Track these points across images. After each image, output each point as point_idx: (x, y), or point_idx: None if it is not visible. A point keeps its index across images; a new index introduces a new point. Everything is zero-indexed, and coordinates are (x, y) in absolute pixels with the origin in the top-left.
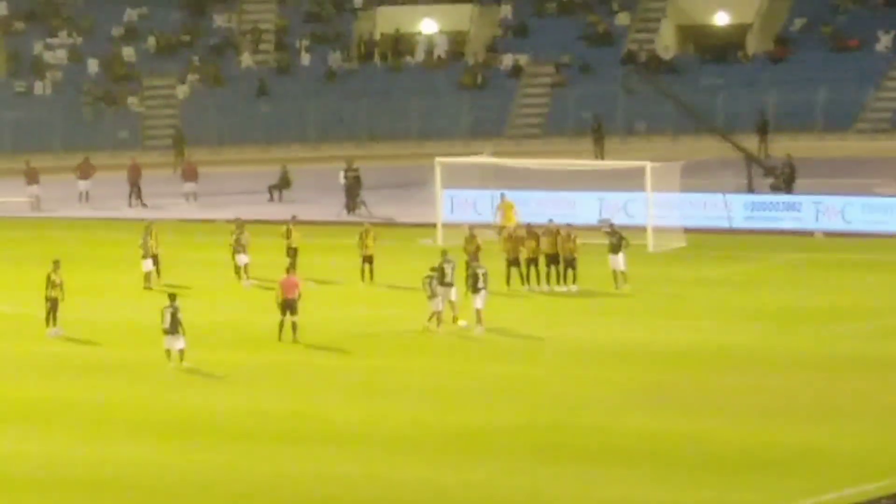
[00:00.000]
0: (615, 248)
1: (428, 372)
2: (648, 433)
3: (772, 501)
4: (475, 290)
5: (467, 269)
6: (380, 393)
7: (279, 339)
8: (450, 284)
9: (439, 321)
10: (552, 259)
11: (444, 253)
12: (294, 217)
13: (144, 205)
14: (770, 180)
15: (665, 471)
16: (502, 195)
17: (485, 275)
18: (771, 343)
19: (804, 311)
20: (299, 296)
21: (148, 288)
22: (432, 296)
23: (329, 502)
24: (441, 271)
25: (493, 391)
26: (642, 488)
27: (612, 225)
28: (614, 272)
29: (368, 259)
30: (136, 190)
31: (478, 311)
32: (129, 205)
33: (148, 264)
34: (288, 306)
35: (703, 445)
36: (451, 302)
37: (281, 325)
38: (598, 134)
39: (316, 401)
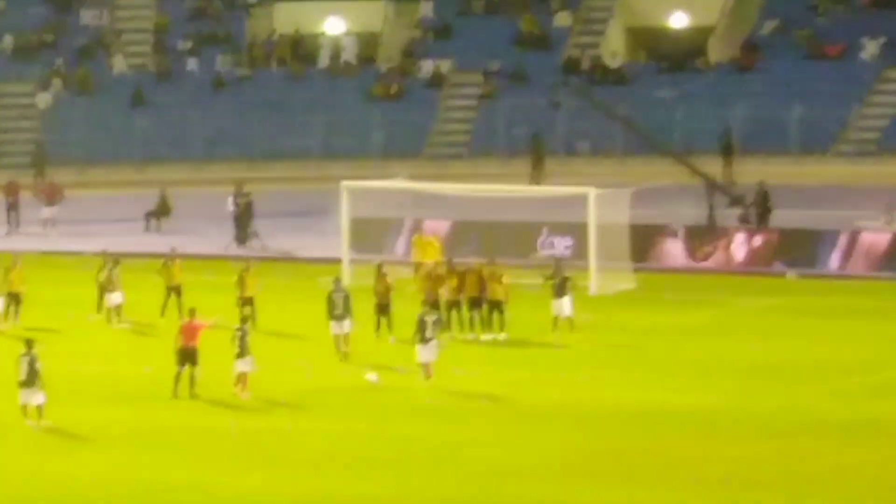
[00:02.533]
0: (559, 291)
1: (328, 435)
2: None
3: None
4: (423, 340)
5: (376, 313)
6: (273, 460)
7: (174, 394)
8: (341, 317)
9: (244, 384)
10: (476, 302)
11: (335, 280)
12: (173, 250)
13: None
14: (738, 211)
15: None
16: (418, 229)
17: (436, 322)
18: (734, 404)
19: (773, 367)
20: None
21: None
22: (240, 355)
23: None
24: (331, 302)
25: (408, 457)
26: None
27: (557, 261)
28: (556, 318)
29: (248, 301)
30: (14, 213)
31: (426, 366)
32: (8, 232)
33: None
34: (187, 356)
35: None
36: (344, 336)
37: (177, 378)
38: (536, 154)
39: (197, 468)
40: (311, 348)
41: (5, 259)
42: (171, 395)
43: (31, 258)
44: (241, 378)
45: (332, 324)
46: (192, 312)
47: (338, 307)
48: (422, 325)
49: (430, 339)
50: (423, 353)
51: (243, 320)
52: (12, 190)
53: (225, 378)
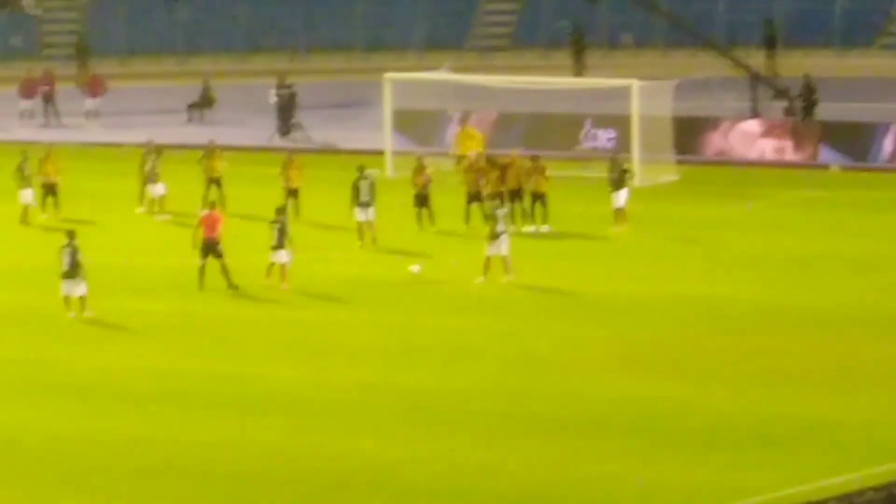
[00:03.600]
0: (617, 183)
1: (374, 326)
2: (633, 401)
3: (776, 483)
4: (495, 234)
5: (416, 205)
6: (318, 351)
7: (199, 287)
8: (366, 204)
9: (283, 276)
10: (517, 194)
11: (360, 168)
12: (212, 142)
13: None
14: (783, 104)
15: (651, 446)
16: (463, 122)
17: (505, 216)
18: (777, 297)
19: (819, 259)
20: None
21: (25, 223)
22: (277, 246)
23: (257, 476)
24: (356, 189)
25: (451, 350)
26: (624, 465)
27: (614, 154)
28: (615, 212)
29: (293, 193)
30: (51, 105)
31: (504, 259)
32: (45, 123)
33: (27, 195)
34: (210, 247)
35: (696, 417)
36: (369, 223)
37: (201, 270)
38: (577, 46)
39: (243, 359)
40: (355, 240)
41: (39, 150)
42: (197, 288)
43: (72, 150)
44: (279, 270)
45: (357, 210)
46: (212, 205)
47: (363, 194)
48: (493, 219)
49: (501, 233)
50: (494, 247)
51: (279, 211)
52: (48, 80)
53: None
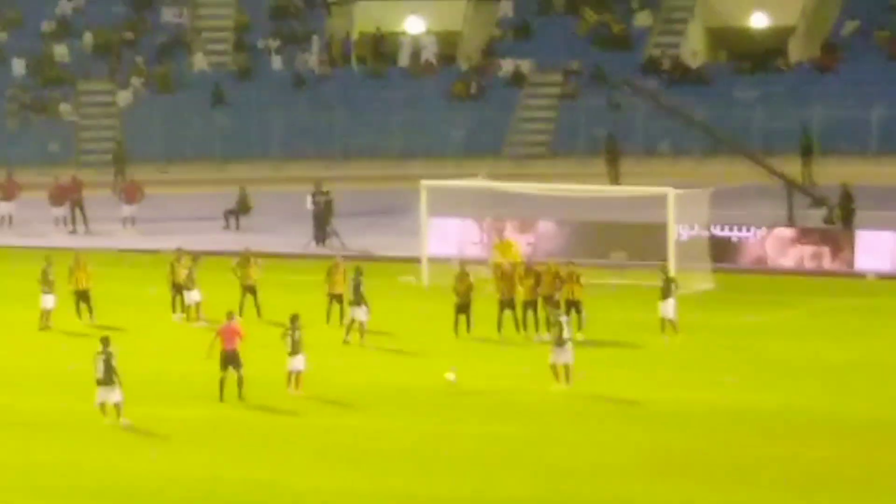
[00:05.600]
0: (664, 293)
1: (407, 433)
2: None
3: None
4: (560, 342)
5: (456, 312)
6: (351, 458)
7: (220, 398)
8: (357, 303)
9: (297, 382)
10: (552, 301)
11: (356, 269)
12: (247, 249)
13: (88, 230)
14: (822, 212)
15: None
16: (499, 231)
17: (569, 323)
18: (813, 404)
19: (855, 367)
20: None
21: (46, 328)
22: (292, 353)
23: None
24: (356, 285)
25: (486, 456)
26: None
27: (662, 264)
28: (662, 320)
29: (337, 298)
30: (79, 212)
31: (564, 368)
32: (72, 230)
33: (49, 301)
34: (229, 360)
35: None
36: (360, 323)
37: (221, 382)
38: (611, 154)
39: (278, 467)
40: (390, 344)
41: (68, 257)
42: (218, 400)
43: (108, 257)
44: (294, 377)
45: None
46: (230, 315)
47: (356, 294)
48: (557, 326)
49: (566, 341)
50: (559, 355)
51: (294, 318)
52: (75, 187)
53: (316, 377)
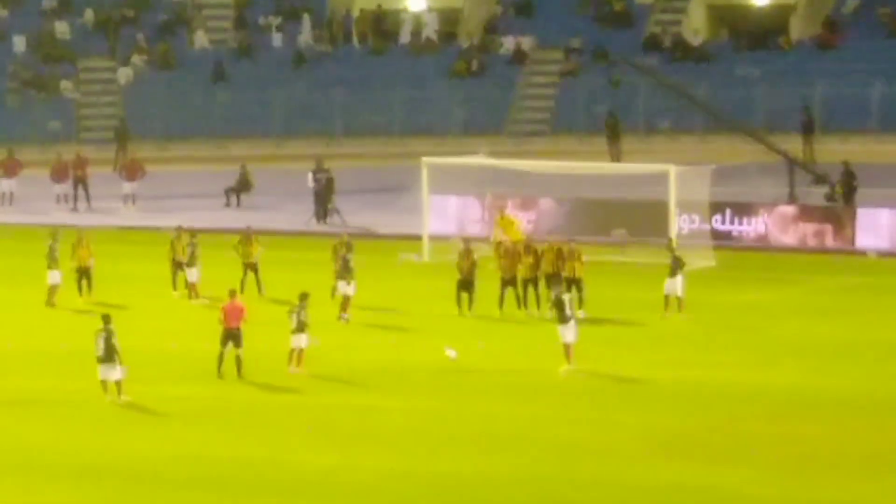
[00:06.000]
0: (672, 270)
1: (407, 412)
2: (669, 488)
3: None
4: (565, 319)
5: (459, 289)
6: (351, 437)
7: (218, 374)
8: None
9: (299, 360)
10: (554, 279)
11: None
12: (248, 227)
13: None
14: (824, 189)
15: None
16: (501, 209)
17: (571, 301)
18: (814, 382)
19: (855, 346)
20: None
21: (51, 305)
22: (296, 330)
23: None
24: (345, 261)
25: (486, 435)
26: None
27: (670, 241)
28: (667, 297)
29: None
30: (82, 189)
31: (568, 346)
32: (74, 208)
33: (55, 277)
34: (231, 337)
35: (732, 503)
36: (346, 298)
37: (220, 357)
38: (613, 132)
39: (278, 445)
40: (391, 321)
41: (70, 235)
42: (216, 376)
43: (109, 234)
44: (297, 354)
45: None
46: (233, 293)
47: (345, 269)
48: (560, 304)
49: (570, 318)
50: (566, 334)
51: (303, 296)
52: (80, 165)
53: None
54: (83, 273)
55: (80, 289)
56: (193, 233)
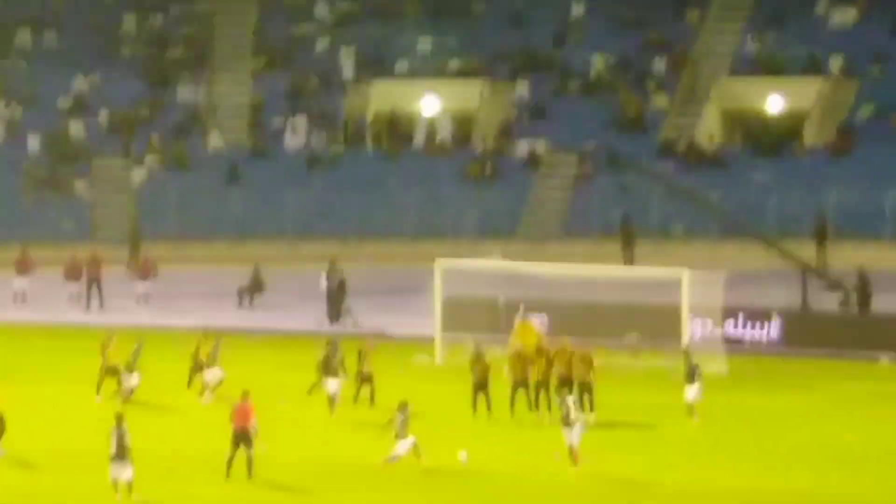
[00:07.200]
0: (689, 377)
1: None
2: None
3: None
4: (567, 422)
5: (475, 392)
6: None
7: (227, 475)
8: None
9: (417, 456)
10: (565, 383)
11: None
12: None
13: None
14: (837, 296)
15: None
16: (522, 313)
17: (575, 403)
18: (828, 490)
19: (869, 452)
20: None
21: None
22: (400, 437)
23: None
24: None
25: None
26: None
27: (687, 348)
28: (690, 405)
29: (367, 378)
30: (96, 288)
31: (572, 448)
32: (87, 307)
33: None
34: (240, 438)
35: None
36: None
37: (230, 460)
38: (627, 236)
39: None
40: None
41: (100, 335)
42: (224, 476)
43: (122, 333)
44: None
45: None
46: (244, 394)
47: (328, 366)
48: (565, 407)
49: (575, 421)
50: (570, 435)
51: (402, 405)
52: (93, 264)
53: (330, 455)
54: (111, 371)
55: (99, 389)
56: (219, 335)
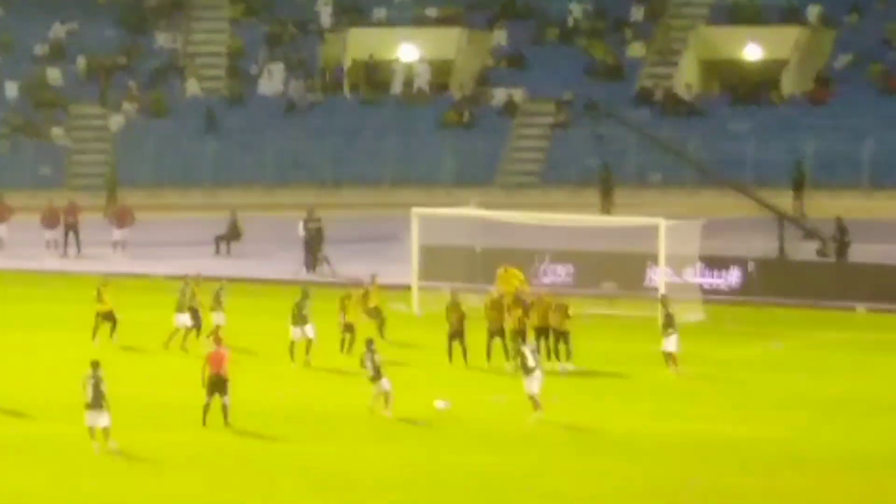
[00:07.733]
0: (666, 327)
1: (395, 463)
2: None
3: None
4: (528, 370)
5: (450, 340)
6: (337, 487)
7: (203, 423)
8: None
9: (387, 403)
10: (542, 332)
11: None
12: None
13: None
14: (814, 245)
15: None
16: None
17: (534, 352)
18: (801, 437)
19: (843, 401)
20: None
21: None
22: (375, 377)
23: None
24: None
25: (472, 486)
26: None
27: (663, 297)
28: (668, 354)
29: (349, 328)
30: (73, 235)
31: (534, 397)
32: (63, 254)
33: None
34: (216, 384)
35: None
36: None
37: (206, 407)
38: (605, 185)
39: (268, 493)
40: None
41: (81, 281)
42: (201, 424)
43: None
44: (384, 398)
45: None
46: (218, 340)
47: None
48: (522, 356)
49: (533, 369)
50: (531, 384)
51: (369, 342)
52: (72, 211)
53: (306, 403)
54: (106, 317)
55: (95, 334)
56: (197, 280)
